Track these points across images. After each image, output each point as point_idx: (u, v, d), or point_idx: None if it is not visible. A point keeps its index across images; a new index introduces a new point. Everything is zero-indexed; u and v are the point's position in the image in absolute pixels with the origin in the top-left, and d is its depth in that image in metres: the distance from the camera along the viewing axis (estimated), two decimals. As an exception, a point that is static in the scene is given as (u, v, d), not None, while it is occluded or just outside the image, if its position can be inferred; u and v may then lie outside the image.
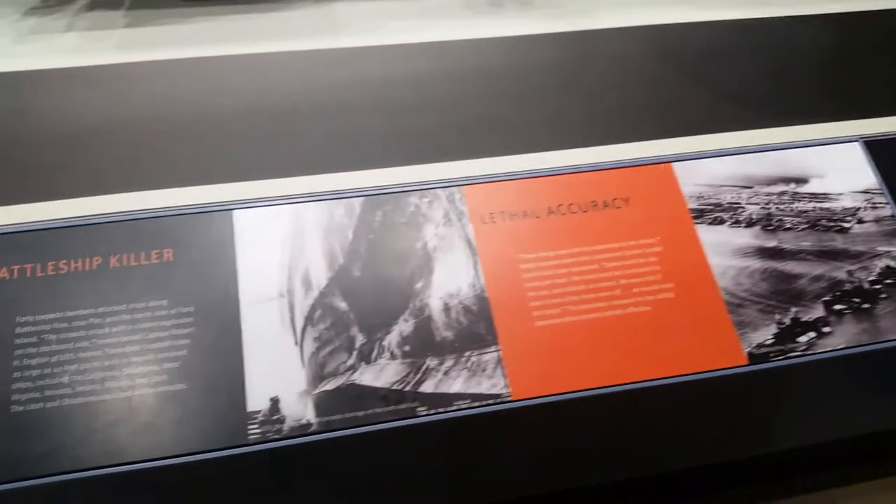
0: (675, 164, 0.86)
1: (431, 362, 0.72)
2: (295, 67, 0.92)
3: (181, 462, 0.65)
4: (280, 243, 0.76)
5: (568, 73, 0.95)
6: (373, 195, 0.80)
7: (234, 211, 0.76)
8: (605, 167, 0.84)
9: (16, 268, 0.71)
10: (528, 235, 0.79)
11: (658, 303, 0.77)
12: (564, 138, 0.87)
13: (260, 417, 0.67)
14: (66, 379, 0.66)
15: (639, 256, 0.79)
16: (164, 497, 0.64)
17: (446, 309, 0.74)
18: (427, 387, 0.70)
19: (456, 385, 0.71)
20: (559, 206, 0.81)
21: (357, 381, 0.70)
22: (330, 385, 0.70)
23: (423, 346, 0.72)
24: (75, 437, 0.64)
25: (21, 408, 0.65)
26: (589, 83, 0.94)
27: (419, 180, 0.82)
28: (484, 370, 0.71)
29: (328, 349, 0.71)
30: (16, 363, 0.66)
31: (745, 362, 0.74)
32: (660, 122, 0.91)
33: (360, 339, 0.72)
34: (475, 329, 0.73)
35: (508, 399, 0.70)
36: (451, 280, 0.76)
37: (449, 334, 0.73)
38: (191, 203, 0.77)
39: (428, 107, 0.90)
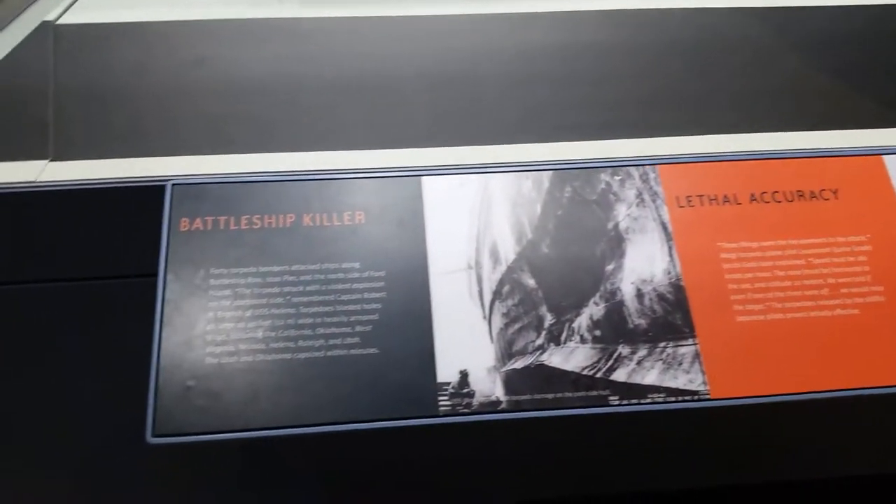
0: (885, 157, 0.79)
1: (623, 350, 0.68)
2: (479, 31, 0.89)
3: (373, 427, 0.64)
4: (468, 213, 0.73)
5: (770, 50, 0.88)
6: (562, 169, 0.76)
7: (423, 177, 0.74)
8: (813, 155, 0.78)
9: (209, 219, 0.71)
10: (728, 223, 0.74)
11: (867, 306, 0.71)
12: (768, 120, 0.81)
13: (450, 390, 0.65)
14: (259, 334, 0.66)
15: (847, 254, 0.73)
16: (357, 461, 0.63)
17: (639, 295, 0.70)
18: (619, 375, 0.67)
19: (650, 376, 0.67)
20: (762, 193, 0.75)
21: (546, 363, 0.67)
22: (518, 363, 0.67)
23: (614, 332, 0.69)
24: (267, 394, 0.64)
25: (215, 360, 0.65)
26: (794, 63, 0.87)
27: (610, 156, 0.78)
28: (680, 364, 0.67)
29: (516, 326, 0.69)
30: (210, 315, 0.66)
31: (970, 380, 0.68)
32: (872, 111, 0.83)
33: (548, 319, 0.69)
34: (671, 319, 0.69)
35: (707, 397, 0.66)
36: (644, 265, 0.72)
37: (642, 322, 0.69)
38: (379, 166, 0.75)
39: (618, 78, 0.85)
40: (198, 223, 0.70)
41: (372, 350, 0.66)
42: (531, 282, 0.70)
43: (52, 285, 0.77)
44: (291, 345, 0.66)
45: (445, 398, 0.65)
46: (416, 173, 0.74)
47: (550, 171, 0.76)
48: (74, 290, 0.78)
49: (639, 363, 0.68)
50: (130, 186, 0.73)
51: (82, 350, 0.82)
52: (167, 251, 0.69)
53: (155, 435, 0.62)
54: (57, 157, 0.76)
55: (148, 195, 0.72)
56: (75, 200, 0.73)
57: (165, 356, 0.64)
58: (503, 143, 0.78)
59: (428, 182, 0.74)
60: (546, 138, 0.79)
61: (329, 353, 0.66)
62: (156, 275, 0.68)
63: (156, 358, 0.64)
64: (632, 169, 0.76)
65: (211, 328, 0.66)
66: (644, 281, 0.71)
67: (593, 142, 0.79)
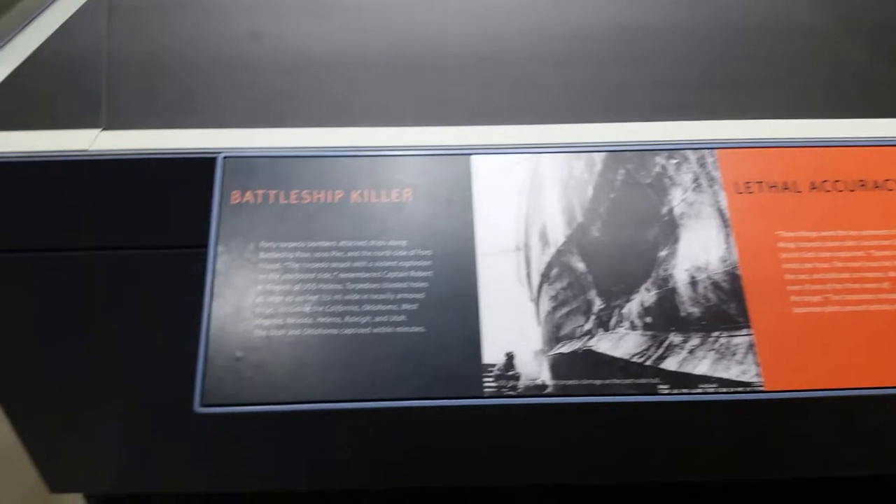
0: (955, 147, 0.75)
1: (675, 338, 0.67)
2: (534, 8, 0.87)
3: (418, 405, 0.63)
4: (517, 194, 0.72)
5: (838, 35, 0.85)
6: (615, 150, 0.74)
7: (472, 156, 0.73)
8: (877, 143, 0.75)
9: (260, 192, 0.71)
10: (787, 211, 0.71)
11: (931, 302, 0.68)
12: (832, 107, 0.78)
13: (495, 371, 0.65)
14: (307, 309, 0.66)
15: (912, 248, 0.70)
16: (401, 437, 0.63)
17: (693, 283, 0.69)
18: (670, 364, 0.66)
19: (702, 366, 0.66)
20: (823, 181, 0.73)
21: (594, 348, 0.66)
22: (566, 348, 0.66)
23: (665, 319, 0.67)
24: (313, 368, 0.64)
25: (263, 333, 0.65)
26: (861, 49, 0.84)
27: (665, 139, 0.76)
28: (734, 354, 0.66)
29: (565, 310, 0.68)
30: (259, 288, 0.67)
31: None
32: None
33: (597, 304, 0.68)
34: (725, 308, 0.68)
35: (760, 389, 0.65)
36: (699, 252, 0.70)
37: (695, 310, 0.68)
38: (429, 144, 0.75)
39: (677, 60, 0.83)
40: (248, 196, 0.70)
41: (418, 329, 0.66)
42: (581, 265, 0.69)
43: (103, 254, 0.79)
44: (338, 320, 0.66)
45: (490, 380, 0.64)
46: (466, 152, 0.73)
47: (603, 153, 0.74)
48: (124, 260, 0.79)
49: (690, 352, 0.66)
50: (182, 158, 0.73)
51: (132, 319, 0.83)
52: (218, 223, 0.69)
53: (203, 405, 0.62)
54: (109, 127, 0.77)
55: (199, 167, 0.73)
56: (127, 170, 0.74)
57: (215, 327, 0.65)
58: (555, 123, 0.77)
59: (477, 161, 0.73)
60: (599, 119, 0.77)
61: (375, 331, 0.66)
62: (205, 246, 0.68)
63: (205, 329, 0.64)
64: (689, 152, 0.74)
65: (260, 301, 0.66)
66: (698, 268, 0.69)
67: (649, 123, 0.77)
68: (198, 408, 0.62)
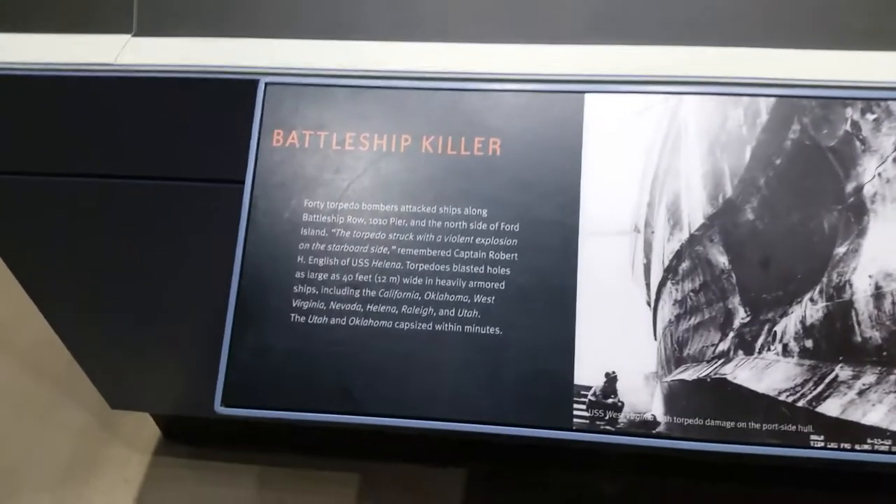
0: None
1: (842, 372, 0.49)
2: None
3: (485, 432, 0.50)
4: (645, 151, 0.53)
5: None
6: (789, 97, 0.53)
7: (587, 94, 0.54)
8: None
9: (307, 134, 0.55)
10: None
11: None
12: None
13: (590, 396, 0.50)
14: (356, 293, 0.52)
15: None
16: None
17: (878, 295, 0.49)
18: (830, 407, 0.48)
19: (874, 414, 0.48)
20: None
21: (728, 377, 0.49)
22: (689, 373, 0.50)
23: (833, 344, 0.49)
24: (358, 372, 0.51)
25: (302, 318, 0.52)
26: None
27: (863, 80, 0.53)
28: (928, 405, 0.47)
29: (693, 320, 0.50)
30: (300, 260, 0.53)
31: None
32: None
33: (740, 316, 0.50)
34: (923, 338, 0.48)
35: (962, 459, 0.46)
36: (891, 251, 0.50)
37: (875, 334, 0.49)
38: (527, 72, 0.56)
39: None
40: (293, 138, 0.55)
41: (493, 330, 0.51)
42: (722, 259, 0.51)
43: (125, 182, 0.67)
44: (393, 310, 0.52)
45: (582, 408, 0.49)
46: (578, 87, 0.55)
47: (773, 98, 0.53)
48: (152, 190, 0.68)
49: (861, 393, 0.48)
50: (218, 79, 0.59)
51: (163, 252, 0.73)
52: (255, 171, 0.55)
53: (224, 404, 0.51)
54: (141, 33, 0.62)
55: (238, 91, 0.58)
56: (156, 90, 0.60)
57: (241, 310, 0.52)
58: (705, 45, 0.56)
59: (593, 102, 0.54)
60: (771, 42, 0.56)
61: (437, 328, 0.51)
62: (242, 182, 0.55)
63: (232, 311, 0.52)
64: (894, 104, 0.52)
65: (299, 278, 0.53)
66: (888, 275, 0.50)
67: (843, 52, 0.55)
68: (218, 407, 0.51)
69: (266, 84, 0.56)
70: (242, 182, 0.56)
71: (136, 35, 0.63)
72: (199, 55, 0.60)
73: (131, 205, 0.70)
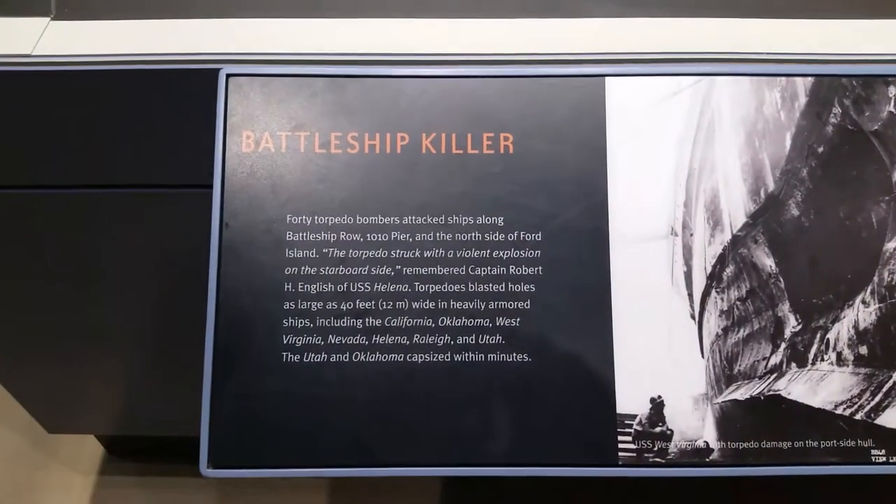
0: None
1: (901, 379, 0.45)
2: None
3: (517, 475, 0.44)
4: (676, 143, 0.47)
5: None
6: (827, 75, 0.48)
7: (608, 78, 0.47)
8: None
9: (283, 135, 0.47)
10: None
11: None
12: None
13: (635, 426, 0.44)
14: (358, 323, 0.45)
15: None
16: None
17: (934, 293, 0.45)
18: (889, 419, 0.44)
19: (938, 424, 0.44)
20: None
21: (783, 392, 0.45)
22: (742, 392, 0.45)
23: (888, 349, 0.45)
24: (364, 415, 0.44)
25: (297, 357, 0.44)
26: None
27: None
28: None
29: (742, 332, 0.45)
30: (288, 287, 0.45)
31: None
32: None
33: (791, 324, 0.45)
34: (984, 338, 0.45)
35: None
36: (945, 243, 0.46)
37: (934, 337, 0.45)
38: (538, 51, 0.48)
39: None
40: (266, 141, 0.46)
41: (520, 357, 0.45)
42: (769, 262, 0.46)
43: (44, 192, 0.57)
44: (403, 340, 0.45)
45: (628, 439, 0.44)
46: (598, 71, 0.48)
47: (810, 77, 0.48)
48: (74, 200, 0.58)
49: (921, 401, 0.45)
50: (164, 69, 0.49)
51: (96, 265, 0.63)
52: (223, 184, 0.46)
53: (212, 466, 0.43)
54: (60, 16, 0.51)
55: (193, 82, 0.48)
56: (83, 84, 0.50)
57: (222, 352, 0.44)
58: (734, 17, 0.50)
59: (615, 87, 0.47)
60: (810, 11, 0.50)
61: (456, 357, 0.45)
62: (198, 186, 0.46)
63: (210, 355, 0.43)
64: (943, 80, 0.48)
65: (289, 309, 0.45)
66: (943, 270, 0.46)
67: (887, 21, 0.50)
68: (205, 470, 0.43)
69: (227, 75, 0.47)
70: (199, 187, 0.47)
71: (55, 18, 0.52)
72: (139, 41, 0.50)
73: (52, 218, 0.60)
